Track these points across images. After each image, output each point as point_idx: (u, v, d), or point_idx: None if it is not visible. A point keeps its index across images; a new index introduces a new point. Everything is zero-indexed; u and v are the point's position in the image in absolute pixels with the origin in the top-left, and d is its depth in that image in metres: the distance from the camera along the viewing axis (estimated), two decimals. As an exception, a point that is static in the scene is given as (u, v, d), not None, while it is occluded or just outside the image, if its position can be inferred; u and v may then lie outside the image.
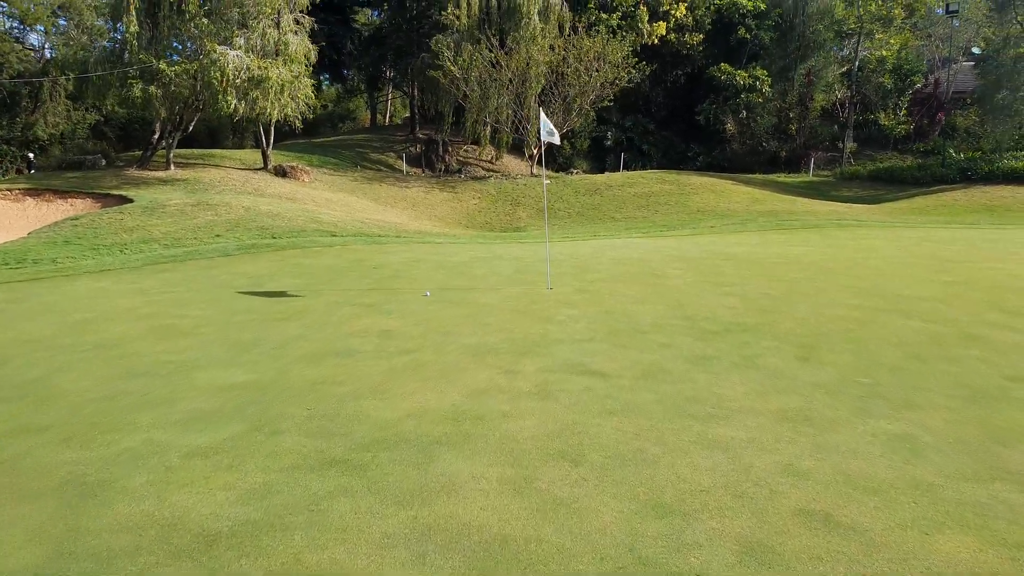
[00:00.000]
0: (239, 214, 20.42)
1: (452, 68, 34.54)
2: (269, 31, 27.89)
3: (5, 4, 47.02)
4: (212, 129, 50.99)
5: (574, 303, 10.92)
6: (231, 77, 24.62)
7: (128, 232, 18.28)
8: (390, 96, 64.05)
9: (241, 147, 45.64)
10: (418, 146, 40.69)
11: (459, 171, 38.94)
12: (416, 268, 14.37)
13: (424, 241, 18.91)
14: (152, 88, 26.12)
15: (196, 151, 34.66)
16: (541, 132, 11.92)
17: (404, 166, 38.17)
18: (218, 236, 17.89)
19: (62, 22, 51.16)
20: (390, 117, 65.50)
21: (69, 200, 24.71)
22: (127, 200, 23.54)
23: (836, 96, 48.05)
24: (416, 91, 44.81)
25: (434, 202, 32.60)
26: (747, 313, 10.36)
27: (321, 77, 57.21)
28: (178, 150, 32.14)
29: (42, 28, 50.14)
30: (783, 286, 12.54)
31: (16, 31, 48.55)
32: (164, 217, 19.75)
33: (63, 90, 43.29)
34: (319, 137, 48.07)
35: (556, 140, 12.06)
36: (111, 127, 51.37)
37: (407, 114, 49.42)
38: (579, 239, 23.44)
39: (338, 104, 62.39)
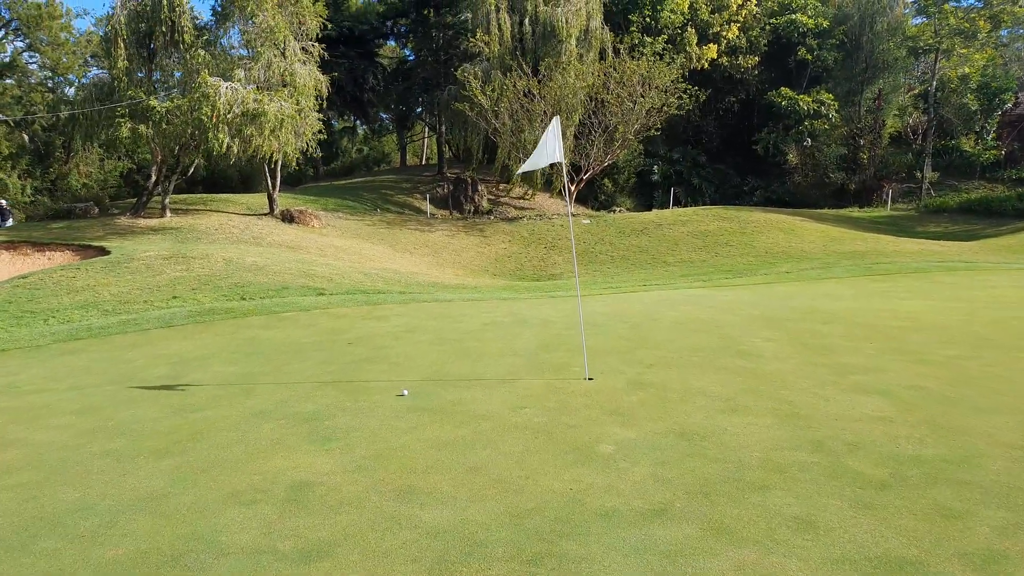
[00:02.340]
0: (215, 269, 17.05)
1: (480, 98, 31.20)
2: (275, 60, 24.99)
3: (38, 55, 46.17)
4: (245, 176, 48.67)
5: (627, 412, 6.90)
6: (222, 112, 21.59)
7: (73, 294, 15.03)
8: (426, 135, 61.51)
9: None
10: (446, 186, 37.34)
11: (489, 212, 35.36)
12: (406, 343, 10.53)
13: (431, 299, 15.13)
14: (142, 127, 23.33)
15: (198, 196, 31.95)
16: (537, 155, 8.02)
17: (429, 207, 34.80)
18: (175, 298, 14.47)
19: (94, 71, 50.20)
20: (426, 158, 62.86)
21: (47, 253, 21.83)
22: (106, 252, 20.52)
23: (909, 121, 43.32)
24: (443, 127, 41.71)
25: (459, 247, 28.95)
26: (911, 432, 6.29)
27: (356, 120, 54.96)
28: (179, 195, 29.43)
29: (75, 78, 49.15)
30: (939, 372, 8.32)
31: (50, 81, 47.60)
32: (124, 274, 16.50)
33: (95, 139, 41.58)
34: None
35: (542, 164, 8.14)
36: (142, 175, 49.81)
37: (448, 154, 46.32)
38: (626, 289, 19.40)
39: (369, 145, 60.06)
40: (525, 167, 8.20)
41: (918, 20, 42.14)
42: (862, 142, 39.76)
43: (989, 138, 40.51)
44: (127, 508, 4.96)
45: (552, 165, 8.14)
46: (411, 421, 6.73)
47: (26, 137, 44.18)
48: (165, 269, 16.98)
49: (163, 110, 23.06)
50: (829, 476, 5.36)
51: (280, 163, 27.85)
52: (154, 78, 25.24)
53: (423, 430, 6.46)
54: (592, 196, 39.30)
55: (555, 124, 7.92)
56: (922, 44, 39.69)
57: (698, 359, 9.16)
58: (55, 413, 7.39)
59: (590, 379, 8.17)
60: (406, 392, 7.68)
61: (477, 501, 4.93)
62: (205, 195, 32.73)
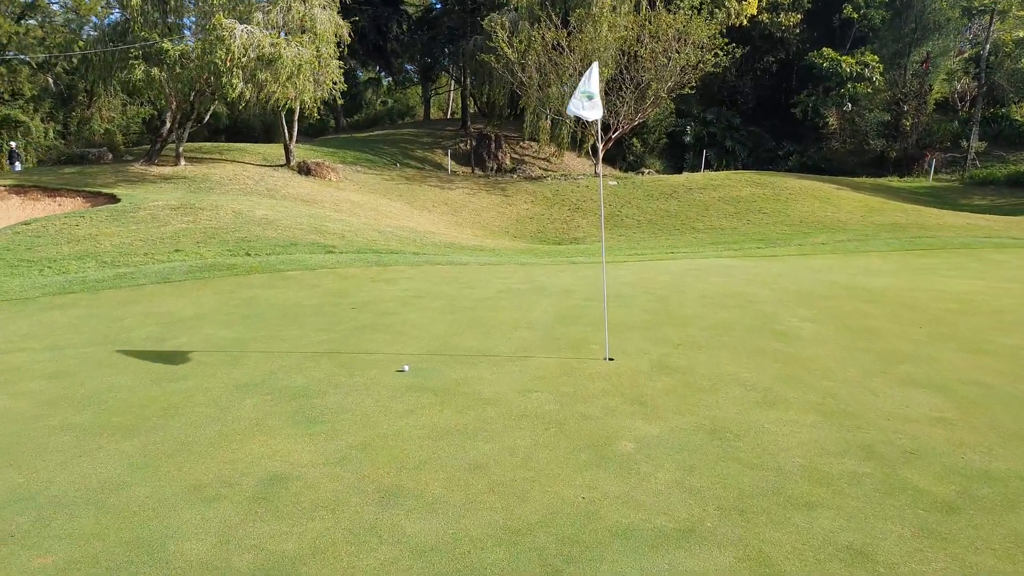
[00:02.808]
0: (224, 221, 16.39)
1: (507, 50, 29.86)
2: (295, 4, 23.93)
3: (60, -6, 45.26)
4: (268, 125, 47.83)
5: (651, 402, 6.14)
6: (237, 55, 20.69)
7: (73, 243, 14.49)
8: (451, 89, 59.97)
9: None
10: (468, 142, 36.20)
11: (512, 170, 34.23)
12: (414, 309, 9.82)
13: (445, 261, 14.36)
14: (155, 70, 22.57)
15: (213, 145, 31.22)
16: (575, 98, 7.15)
17: (450, 164, 33.76)
18: (177, 251, 13.86)
19: (116, 12, 49.20)
20: (451, 112, 61.41)
21: (57, 199, 21.35)
22: (115, 200, 19.99)
23: (956, 86, 41.06)
24: (468, 80, 40.33)
25: (480, 206, 28.02)
26: (977, 439, 5.57)
27: (380, 72, 53.52)
28: (195, 143, 28.72)
29: (97, 20, 48.26)
30: (1001, 364, 7.48)
31: (73, 24, 46.73)
32: (128, 224, 15.92)
33: (109, 82, 41.02)
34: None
35: (589, 115, 7.27)
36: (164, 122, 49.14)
37: (472, 109, 44.86)
38: (652, 256, 18.49)
39: (393, 98, 58.71)
40: (575, 109, 7.25)
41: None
42: (905, 108, 37.80)
43: (1043, 107, 38.35)
44: (72, 501, 4.33)
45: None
46: (409, 403, 6.04)
47: (51, 80, 43.66)
48: (171, 220, 16.36)
49: (176, 53, 22.24)
50: (885, 492, 4.59)
51: (298, 112, 27.00)
52: (168, 21, 24.33)
53: (421, 414, 5.77)
54: (620, 156, 37.94)
55: (595, 70, 7.02)
56: (977, 4, 37.29)
57: (730, 339, 8.35)
58: (24, 376, 6.80)
59: (610, 359, 7.42)
60: (407, 368, 6.99)
61: (473, 510, 4.23)
62: (221, 144, 32.01)
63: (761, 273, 14.27)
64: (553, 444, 5.20)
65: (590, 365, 7.22)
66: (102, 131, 43.71)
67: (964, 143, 37.90)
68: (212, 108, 27.82)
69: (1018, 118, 38.93)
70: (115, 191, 20.79)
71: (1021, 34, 37.87)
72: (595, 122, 7.54)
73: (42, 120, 40.94)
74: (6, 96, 39.31)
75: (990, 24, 38.02)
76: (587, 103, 7.16)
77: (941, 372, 7.18)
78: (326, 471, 4.71)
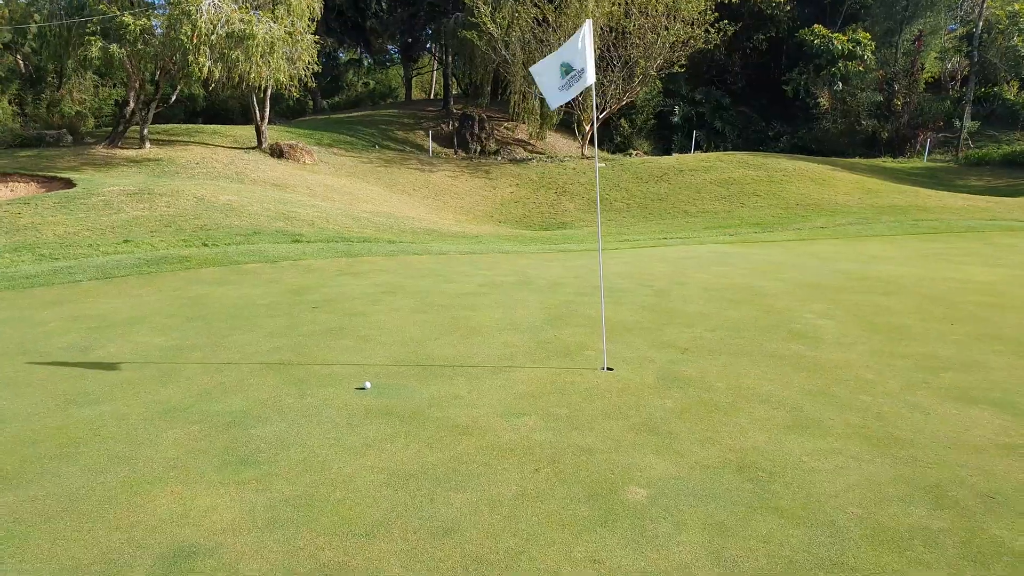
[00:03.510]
0: (183, 208, 15.10)
1: (490, 26, 28.50)
2: (266, -24, 22.43)
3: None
4: (246, 107, 45.89)
5: (662, 428, 5.08)
6: (204, 32, 19.23)
7: (12, 233, 13.17)
8: (434, 69, 58.19)
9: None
10: (451, 123, 34.80)
11: (496, 152, 32.91)
12: (384, 308, 8.68)
13: (423, 250, 13.18)
14: (114, 47, 21.06)
15: (183, 127, 29.66)
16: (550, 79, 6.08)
17: (432, 145, 32.38)
18: (126, 242, 12.62)
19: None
20: (434, 93, 59.65)
21: (9, 184, 19.89)
22: (72, 184, 18.59)
23: (948, 65, 40.22)
24: (449, 58, 38.85)
25: (462, 190, 26.75)
26: None
27: (362, 52, 51.70)
28: (165, 125, 27.17)
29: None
30: (1061, 371, 6.51)
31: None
32: (76, 211, 14.59)
33: (89, 64, 39.36)
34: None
35: (560, 97, 6.23)
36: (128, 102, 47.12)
37: (455, 89, 43.06)
38: (644, 243, 17.42)
39: (375, 79, 56.96)
40: (555, 97, 6.20)
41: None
42: (896, 87, 36.87)
43: (1038, 85, 37.53)
44: None
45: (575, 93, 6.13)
46: (366, 434, 4.93)
47: (21, 61, 41.91)
48: (125, 207, 15.02)
49: (137, 28, 20.72)
50: (975, 561, 3.56)
51: (271, 92, 25.56)
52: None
53: (380, 450, 4.66)
54: (607, 138, 36.76)
55: (587, 30, 5.86)
56: (970, -20, 36.38)
57: (743, 342, 7.32)
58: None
59: (609, 369, 6.36)
60: (368, 385, 5.88)
61: (439, 603, 3.14)
62: (192, 126, 30.45)
63: (763, 261, 13.25)
64: (545, 492, 4.12)
65: (586, 377, 6.15)
66: (73, 113, 41.90)
67: (956, 123, 37.07)
68: (180, 88, 26.31)
69: (1010, 97, 38.17)
70: (72, 175, 19.36)
71: (1015, 7, 36.93)
72: (588, 96, 6.50)
73: (9, 102, 39.17)
74: (-33, 77, 37.63)
75: (982, 0, 37.09)
76: (568, 80, 6.06)
77: (996, 382, 6.18)
78: (250, 540, 3.60)
